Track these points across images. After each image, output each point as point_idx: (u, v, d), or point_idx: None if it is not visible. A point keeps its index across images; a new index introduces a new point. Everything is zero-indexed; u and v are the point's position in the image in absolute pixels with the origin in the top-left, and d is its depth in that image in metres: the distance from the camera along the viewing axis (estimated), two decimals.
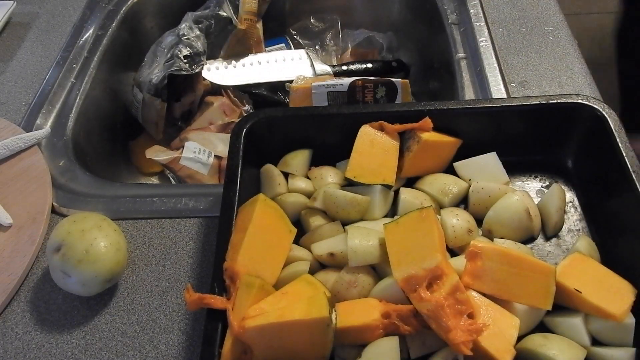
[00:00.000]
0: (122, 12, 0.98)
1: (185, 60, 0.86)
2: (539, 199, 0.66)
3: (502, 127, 0.67)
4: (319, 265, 0.59)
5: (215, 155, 0.88)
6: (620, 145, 0.59)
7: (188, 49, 0.87)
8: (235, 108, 0.96)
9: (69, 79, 0.87)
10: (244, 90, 0.96)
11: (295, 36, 1.10)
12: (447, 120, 0.66)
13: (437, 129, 0.65)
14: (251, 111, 0.95)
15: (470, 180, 0.66)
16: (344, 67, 1.00)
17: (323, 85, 0.84)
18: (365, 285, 0.56)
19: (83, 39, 0.93)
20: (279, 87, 0.94)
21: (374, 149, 0.64)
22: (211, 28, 0.92)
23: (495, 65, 0.83)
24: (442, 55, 0.92)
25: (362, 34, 1.10)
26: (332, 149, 0.68)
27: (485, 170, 0.65)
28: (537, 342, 0.51)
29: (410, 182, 0.67)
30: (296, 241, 0.60)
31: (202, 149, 0.88)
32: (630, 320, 0.52)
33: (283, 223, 0.59)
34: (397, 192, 0.65)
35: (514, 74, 0.82)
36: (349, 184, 0.65)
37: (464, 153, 0.67)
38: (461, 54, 0.86)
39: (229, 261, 0.53)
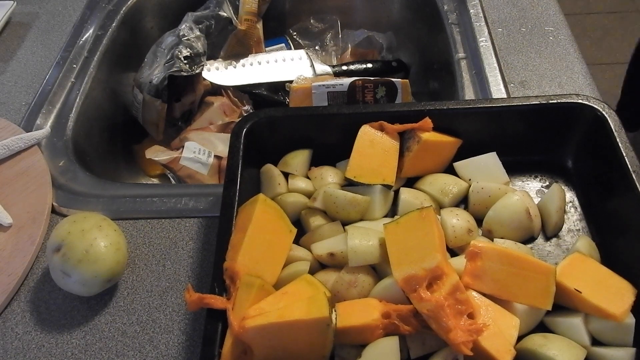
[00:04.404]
0: (122, 12, 0.98)
1: (185, 61, 0.86)
2: (539, 199, 0.66)
3: (502, 127, 0.67)
4: (319, 265, 0.59)
5: (215, 155, 0.88)
6: (620, 145, 0.59)
7: (188, 49, 0.87)
8: (235, 108, 0.96)
9: (69, 79, 0.87)
10: (244, 91, 0.96)
11: (295, 36, 1.10)
12: (447, 120, 0.66)
13: (437, 129, 0.65)
14: (251, 111, 0.95)
15: (470, 180, 0.66)
16: (344, 67, 1.00)
17: (323, 85, 0.84)
18: (365, 285, 0.56)
19: (83, 39, 0.93)
20: (279, 87, 0.94)
21: (374, 149, 0.64)
22: (211, 28, 0.92)
23: (495, 65, 0.83)
24: (442, 55, 0.92)
25: (362, 34, 1.10)
26: (332, 149, 0.68)
27: (485, 170, 0.65)
28: (537, 342, 0.51)
29: (410, 182, 0.67)
30: (296, 241, 0.60)
31: (202, 149, 0.88)
32: (630, 320, 0.52)
33: (283, 223, 0.59)
34: (397, 192, 0.65)
35: (514, 74, 0.82)
36: (349, 184, 0.65)
37: (464, 153, 0.67)
38: (461, 54, 0.86)
39: (229, 261, 0.54)
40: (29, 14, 1.00)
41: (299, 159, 0.68)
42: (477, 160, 0.66)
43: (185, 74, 0.86)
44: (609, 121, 0.61)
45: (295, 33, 1.10)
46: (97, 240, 0.58)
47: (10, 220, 0.68)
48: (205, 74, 0.93)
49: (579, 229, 0.64)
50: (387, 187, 0.63)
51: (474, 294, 0.53)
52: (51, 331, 0.60)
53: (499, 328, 0.50)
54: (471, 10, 0.92)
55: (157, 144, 0.93)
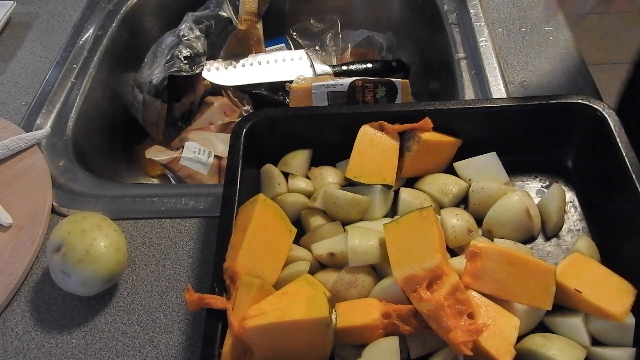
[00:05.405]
0: (122, 12, 0.98)
1: (185, 61, 0.86)
2: (539, 199, 0.66)
3: (502, 127, 0.67)
4: (319, 265, 0.59)
5: (215, 155, 0.88)
6: (620, 145, 0.59)
7: (188, 49, 0.87)
8: (235, 108, 0.96)
9: (69, 79, 0.87)
10: (244, 91, 0.96)
11: (295, 36, 1.10)
12: (447, 120, 0.66)
13: (437, 129, 0.65)
14: (251, 111, 0.95)
15: (470, 180, 0.66)
16: (344, 67, 1.00)
17: (323, 85, 0.84)
18: (365, 285, 0.56)
19: (83, 39, 0.93)
20: (279, 87, 0.94)
21: (374, 149, 0.64)
22: (211, 28, 0.92)
23: (495, 65, 0.83)
24: (442, 55, 0.92)
25: (362, 34, 1.10)
26: (332, 149, 0.68)
27: (485, 170, 0.65)
28: (537, 342, 0.51)
29: (410, 182, 0.67)
30: (296, 241, 0.60)
31: (202, 149, 0.88)
32: (630, 320, 0.52)
33: (283, 223, 0.59)
34: (397, 192, 0.65)
35: (514, 74, 0.82)
36: (349, 184, 0.65)
37: (464, 153, 0.67)
38: (461, 54, 0.86)
39: (229, 261, 0.54)
40: (29, 14, 1.00)
41: (299, 159, 0.68)
42: (477, 160, 0.66)
43: (185, 74, 0.86)
44: (609, 121, 0.61)
45: (295, 33, 1.10)
46: (97, 240, 0.58)
47: (10, 220, 0.68)
48: (205, 74, 0.93)
49: (579, 229, 0.64)
50: (387, 187, 0.63)
51: (474, 294, 0.53)
52: (51, 331, 0.60)
53: (499, 328, 0.50)
54: (471, 10, 0.92)
55: (157, 144, 0.93)
